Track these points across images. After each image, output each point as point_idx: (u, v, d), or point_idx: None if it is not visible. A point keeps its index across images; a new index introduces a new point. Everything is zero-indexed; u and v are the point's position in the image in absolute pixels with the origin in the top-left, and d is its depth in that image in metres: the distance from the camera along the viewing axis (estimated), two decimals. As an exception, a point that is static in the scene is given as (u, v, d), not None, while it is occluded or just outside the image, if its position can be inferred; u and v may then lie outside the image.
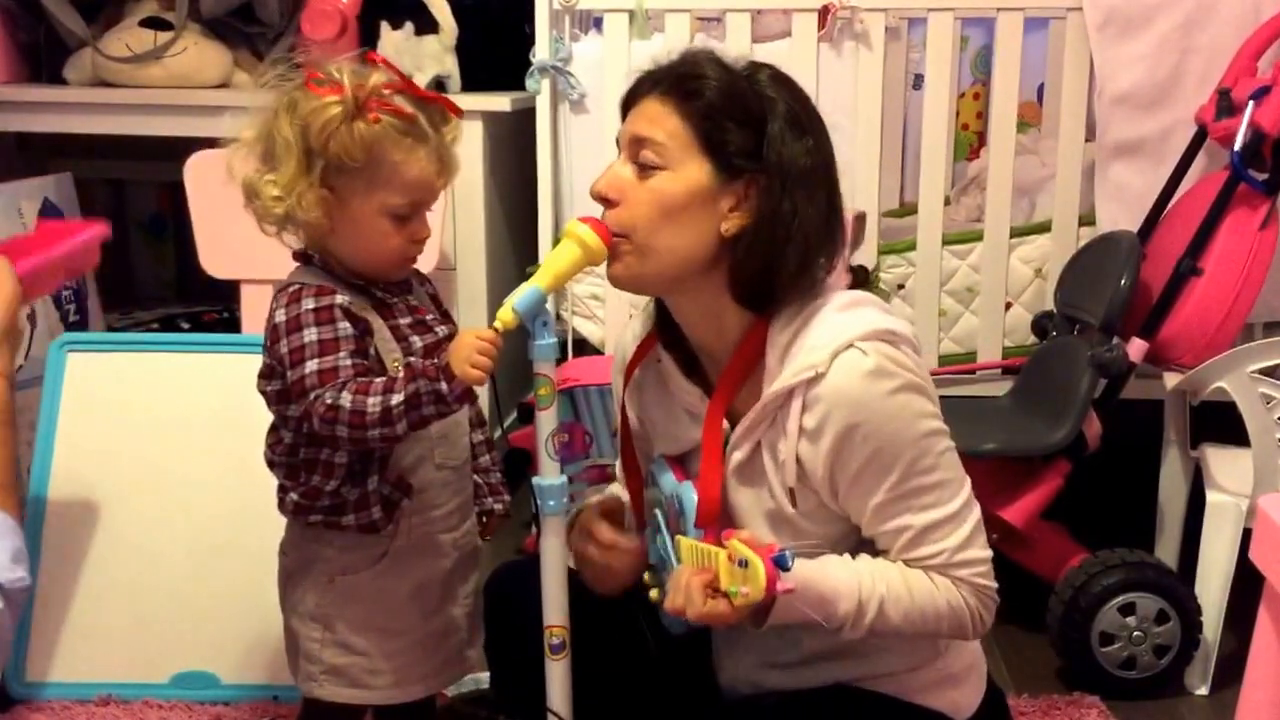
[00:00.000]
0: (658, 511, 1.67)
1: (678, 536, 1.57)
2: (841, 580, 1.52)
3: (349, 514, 1.72)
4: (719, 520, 1.57)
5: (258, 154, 1.68)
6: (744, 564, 1.39)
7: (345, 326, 1.66)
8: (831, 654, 1.62)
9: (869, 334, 1.51)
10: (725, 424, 1.60)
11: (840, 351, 1.50)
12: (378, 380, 1.63)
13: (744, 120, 1.53)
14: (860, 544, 1.59)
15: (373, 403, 1.60)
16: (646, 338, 1.72)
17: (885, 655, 1.62)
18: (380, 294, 1.73)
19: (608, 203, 1.57)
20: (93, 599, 2.36)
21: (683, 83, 1.53)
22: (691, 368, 1.66)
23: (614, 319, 2.86)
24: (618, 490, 1.86)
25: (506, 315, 1.55)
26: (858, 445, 1.50)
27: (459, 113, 1.75)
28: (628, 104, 1.60)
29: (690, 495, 1.58)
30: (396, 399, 1.60)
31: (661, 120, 1.53)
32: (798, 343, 1.54)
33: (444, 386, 1.60)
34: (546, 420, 1.61)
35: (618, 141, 1.60)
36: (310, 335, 1.65)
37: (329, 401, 1.61)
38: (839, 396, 1.50)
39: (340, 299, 1.67)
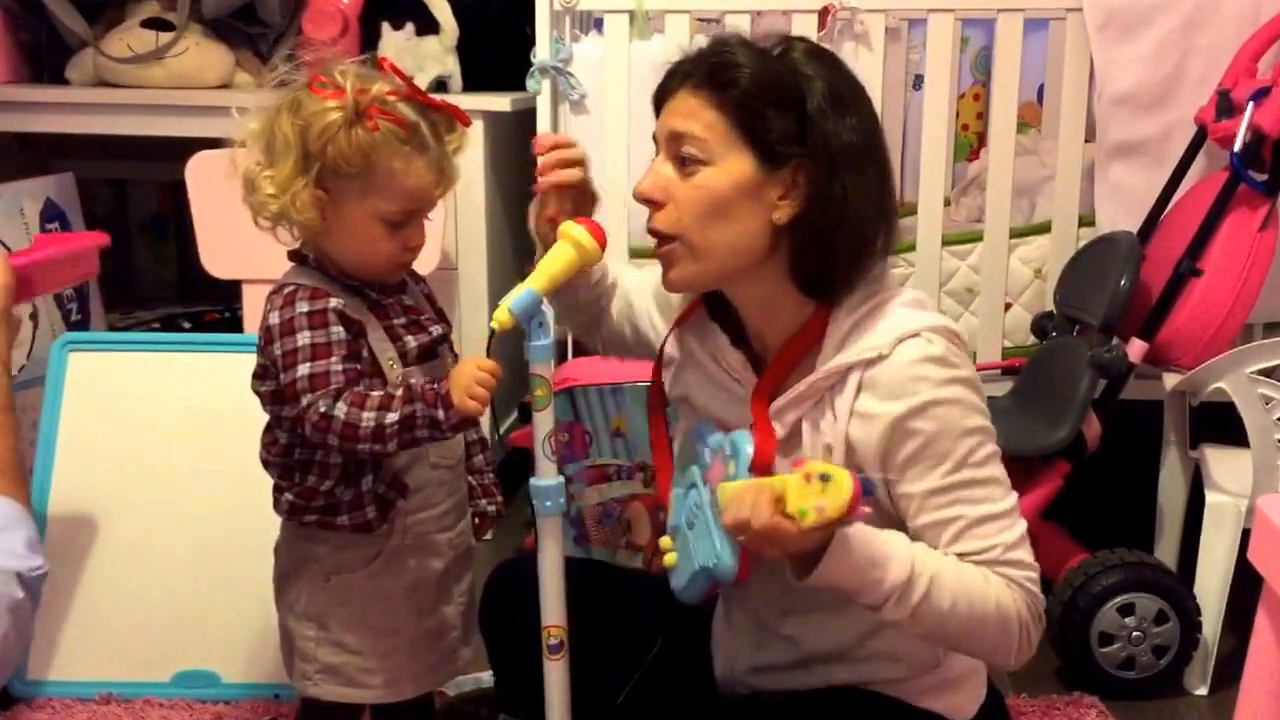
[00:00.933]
0: (694, 468, 1.61)
1: (721, 484, 1.49)
2: (898, 545, 1.45)
3: (343, 514, 1.73)
4: (771, 473, 1.49)
5: (260, 147, 1.68)
6: (825, 479, 1.31)
7: (338, 331, 1.66)
8: (829, 657, 1.61)
9: (936, 327, 1.50)
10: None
11: (905, 338, 1.49)
12: (375, 394, 1.63)
13: (782, 104, 1.49)
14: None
15: (367, 417, 1.61)
16: (691, 304, 1.70)
17: (883, 663, 1.61)
18: (374, 294, 1.73)
19: (653, 204, 1.55)
20: (94, 598, 2.36)
21: (715, 72, 1.50)
22: (736, 338, 1.64)
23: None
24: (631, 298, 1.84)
25: (503, 316, 1.55)
26: (914, 430, 1.48)
27: (467, 121, 1.75)
28: (660, 98, 1.57)
29: (746, 442, 1.51)
30: (391, 418, 1.60)
31: (697, 113, 1.51)
32: (860, 329, 1.52)
33: (441, 414, 1.60)
34: (543, 421, 1.61)
35: (655, 139, 1.57)
36: (303, 339, 1.65)
37: (322, 410, 1.61)
38: (899, 380, 1.48)
39: (334, 302, 1.67)
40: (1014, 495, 1.54)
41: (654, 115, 1.59)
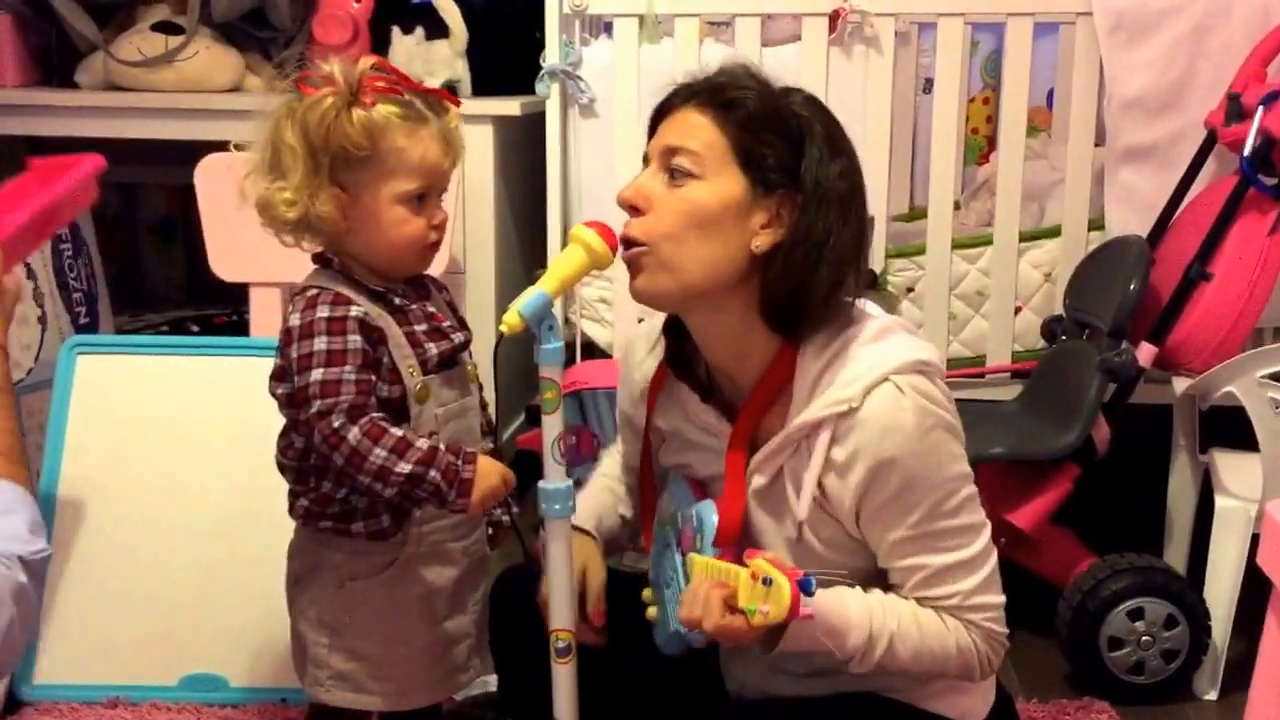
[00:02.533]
0: (668, 528, 1.67)
1: (690, 555, 1.56)
2: (854, 612, 1.51)
3: (358, 521, 1.73)
4: (738, 542, 1.55)
5: (264, 171, 1.69)
6: (768, 582, 1.39)
7: (356, 340, 1.66)
8: (839, 668, 1.61)
9: (903, 367, 1.50)
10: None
11: (874, 386, 1.49)
12: (395, 433, 1.63)
13: (782, 134, 1.51)
14: (880, 575, 1.59)
15: (378, 454, 1.62)
16: (655, 378, 1.70)
17: (894, 674, 1.61)
18: (398, 300, 1.73)
19: (635, 210, 1.55)
20: (101, 601, 2.37)
21: (722, 93, 1.52)
22: (708, 390, 1.64)
23: (622, 322, 2.87)
24: (612, 487, 1.86)
25: (512, 319, 1.55)
26: (887, 481, 1.50)
27: (456, 102, 1.76)
28: (659, 116, 1.58)
29: (711, 514, 1.57)
30: (402, 468, 1.62)
31: (698, 130, 1.52)
32: (829, 374, 1.53)
33: (451, 495, 1.64)
34: (552, 424, 1.61)
35: (645, 156, 1.58)
36: (320, 344, 1.65)
37: (335, 426, 1.62)
38: (872, 432, 1.49)
39: (355, 310, 1.67)
40: (985, 533, 1.56)
41: (647, 134, 1.59)
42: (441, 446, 1.65)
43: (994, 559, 1.57)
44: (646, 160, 1.57)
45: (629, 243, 1.55)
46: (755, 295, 1.53)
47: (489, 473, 1.66)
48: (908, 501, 1.50)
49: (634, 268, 1.55)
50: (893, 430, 1.48)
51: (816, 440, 1.52)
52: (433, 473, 1.62)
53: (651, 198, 1.53)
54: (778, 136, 1.51)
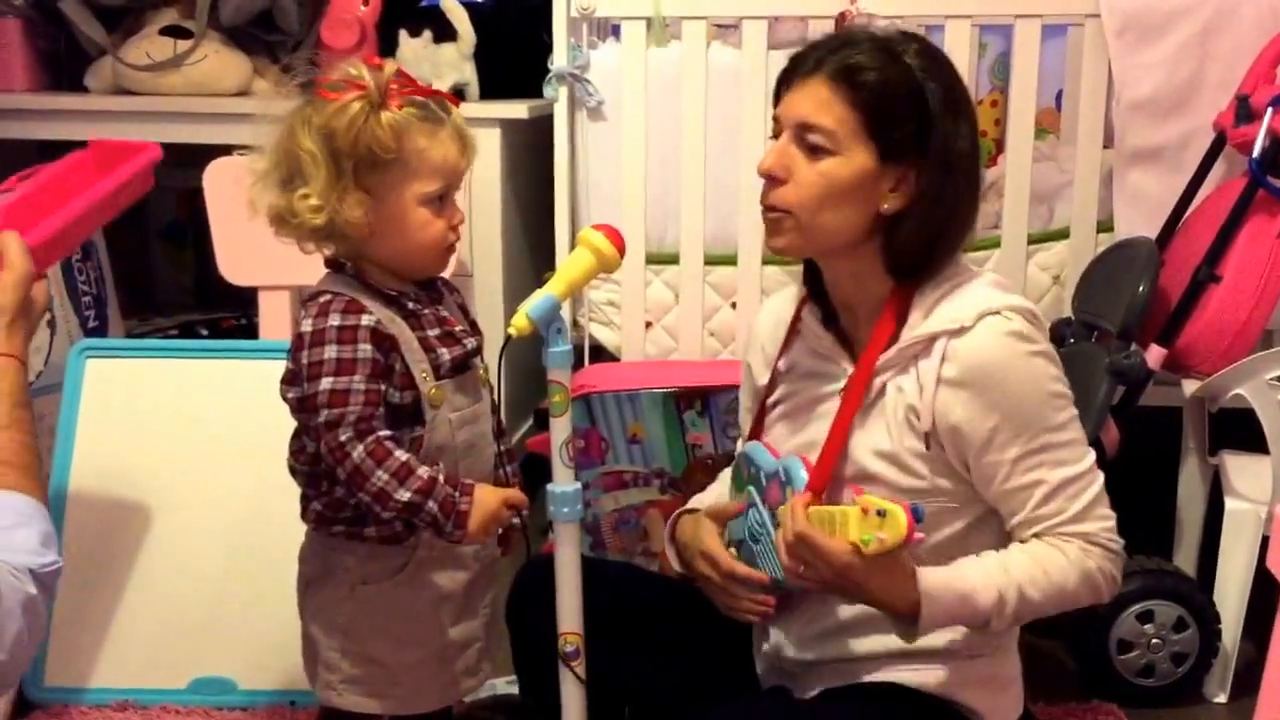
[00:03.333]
0: (750, 489, 1.70)
1: (781, 507, 1.60)
2: (974, 575, 1.56)
3: (370, 525, 1.73)
4: (828, 491, 1.61)
5: (277, 180, 1.68)
6: (881, 514, 1.43)
7: (366, 349, 1.66)
8: (869, 623, 1.63)
9: (1016, 306, 1.59)
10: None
11: (986, 314, 1.57)
12: (400, 456, 1.64)
13: (909, 108, 1.59)
14: (977, 503, 1.63)
15: (379, 477, 1.64)
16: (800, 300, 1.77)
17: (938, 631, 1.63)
18: (411, 304, 1.73)
19: (774, 180, 1.61)
20: (110, 605, 2.37)
21: (851, 71, 1.57)
22: (828, 320, 1.72)
23: (630, 325, 2.87)
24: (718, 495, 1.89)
25: (521, 322, 1.55)
26: (996, 400, 1.56)
27: (456, 102, 1.76)
28: (787, 81, 1.63)
29: (798, 467, 1.61)
30: (401, 495, 1.64)
31: (830, 106, 1.58)
32: (945, 302, 1.61)
33: (448, 527, 1.65)
34: (560, 427, 1.61)
35: (776, 119, 1.63)
36: (330, 352, 1.66)
37: (341, 440, 1.64)
38: (981, 352, 1.56)
39: (366, 319, 1.67)
40: (1092, 454, 1.63)
41: (774, 97, 1.65)
42: (441, 478, 1.66)
43: (1101, 476, 1.63)
44: (777, 124, 1.63)
45: (770, 209, 1.63)
46: (880, 248, 1.63)
47: (486, 501, 1.67)
48: (1019, 420, 1.57)
49: (774, 230, 1.64)
50: (999, 352, 1.57)
51: (928, 358, 1.59)
52: (430, 504, 1.64)
53: (790, 168, 1.60)
54: (906, 108, 1.58)
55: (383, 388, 1.67)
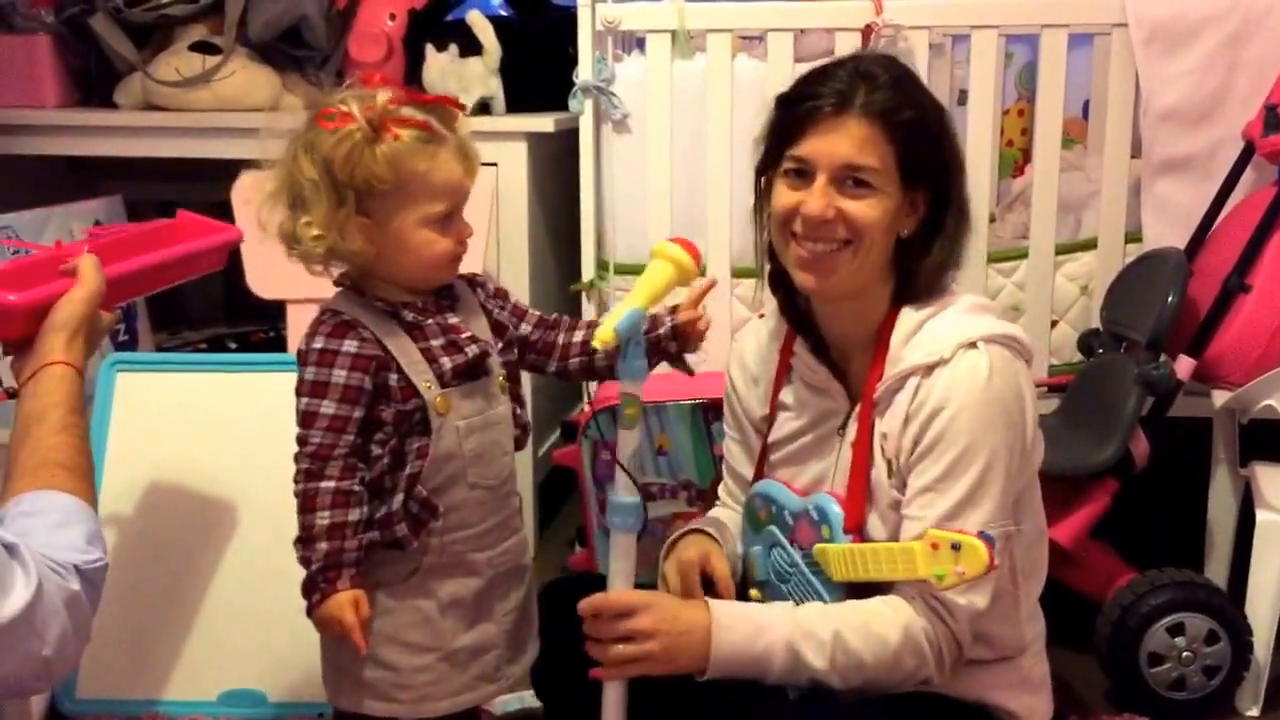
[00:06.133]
0: (773, 529, 1.71)
1: (819, 546, 1.62)
2: (763, 612, 1.60)
3: (375, 530, 1.74)
4: (864, 525, 1.63)
5: (284, 203, 1.71)
6: (956, 546, 1.45)
7: (340, 375, 1.70)
8: None
9: (993, 336, 1.59)
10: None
11: (965, 346, 1.58)
12: (325, 516, 1.70)
13: (931, 137, 1.64)
14: None
15: (302, 517, 1.71)
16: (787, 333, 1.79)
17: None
18: (412, 316, 1.74)
19: (826, 223, 1.61)
20: (142, 616, 2.38)
21: (888, 111, 1.60)
22: (818, 348, 1.74)
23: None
24: (723, 516, 1.91)
25: (607, 335, 1.55)
26: (934, 428, 1.56)
27: (462, 108, 1.78)
28: (809, 119, 1.62)
29: (832, 504, 1.63)
30: (298, 548, 1.72)
31: (873, 145, 1.60)
32: (924, 330, 1.62)
33: (313, 595, 1.71)
34: (629, 439, 1.62)
35: (801, 159, 1.62)
36: (310, 374, 1.72)
37: (299, 465, 1.72)
38: (949, 386, 1.56)
39: (349, 345, 1.70)
40: (986, 526, 1.56)
41: (788, 129, 1.64)
42: (348, 559, 1.70)
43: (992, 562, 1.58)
44: (802, 163, 1.62)
45: (827, 246, 1.62)
46: (891, 270, 1.66)
47: (340, 606, 1.69)
48: (942, 453, 1.56)
49: (826, 267, 1.63)
50: (964, 388, 1.56)
51: (900, 390, 1.60)
52: (309, 569, 1.71)
53: (839, 208, 1.61)
54: (929, 138, 1.63)
55: (356, 414, 1.70)
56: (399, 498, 1.73)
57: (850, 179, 1.60)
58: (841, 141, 1.59)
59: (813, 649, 1.55)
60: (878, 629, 1.55)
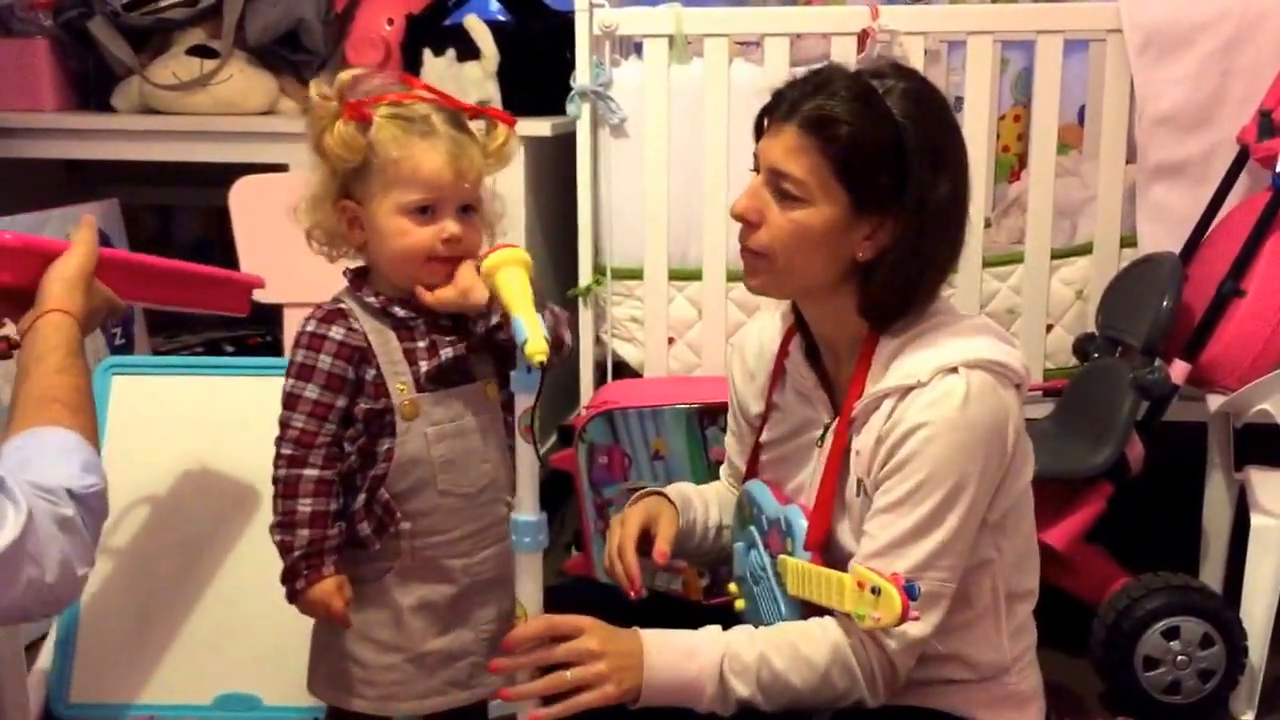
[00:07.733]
0: (753, 529, 1.72)
1: (781, 557, 1.62)
2: (697, 635, 1.57)
3: (343, 523, 1.75)
4: (827, 545, 1.62)
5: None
6: (876, 591, 1.42)
7: (326, 360, 1.70)
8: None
9: (978, 361, 1.55)
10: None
11: (945, 370, 1.54)
12: (305, 504, 1.71)
13: (883, 159, 1.55)
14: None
15: (304, 504, 1.72)
16: (786, 331, 1.78)
17: (953, 664, 1.63)
18: (404, 313, 1.73)
19: (748, 224, 1.61)
20: (137, 621, 2.38)
21: (823, 122, 1.55)
22: (811, 353, 1.73)
23: (653, 341, 2.87)
24: (720, 493, 1.92)
25: (542, 345, 1.51)
26: (902, 449, 1.54)
27: (511, 121, 1.82)
28: (764, 122, 1.63)
29: (799, 518, 1.63)
30: (275, 533, 1.75)
31: (800, 155, 1.56)
32: (906, 352, 1.59)
33: (295, 583, 1.73)
34: (528, 452, 1.64)
35: (755, 156, 1.63)
36: (299, 356, 1.73)
37: (280, 450, 1.74)
38: (922, 410, 1.53)
39: (335, 332, 1.71)
40: (950, 560, 1.54)
41: (755, 133, 1.65)
42: (330, 545, 1.72)
43: (942, 594, 1.55)
44: (757, 161, 1.63)
45: (745, 250, 1.63)
46: (856, 294, 1.61)
47: (327, 593, 1.71)
48: (905, 472, 1.53)
49: (750, 270, 1.64)
50: (936, 412, 1.52)
51: (876, 411, 1.58)
52: (289, 556, 1.72)
53: (764, 213, 1.59)
54: (879, 159, 1.55)
55: (339, 403, 1.71)
56: (360, 497, 1.73)
57: (779, 186, 1.57)
58: (775, 146, 1.58)
59: (737, 671, 1.54)
60: (805, 650, 1.54)
